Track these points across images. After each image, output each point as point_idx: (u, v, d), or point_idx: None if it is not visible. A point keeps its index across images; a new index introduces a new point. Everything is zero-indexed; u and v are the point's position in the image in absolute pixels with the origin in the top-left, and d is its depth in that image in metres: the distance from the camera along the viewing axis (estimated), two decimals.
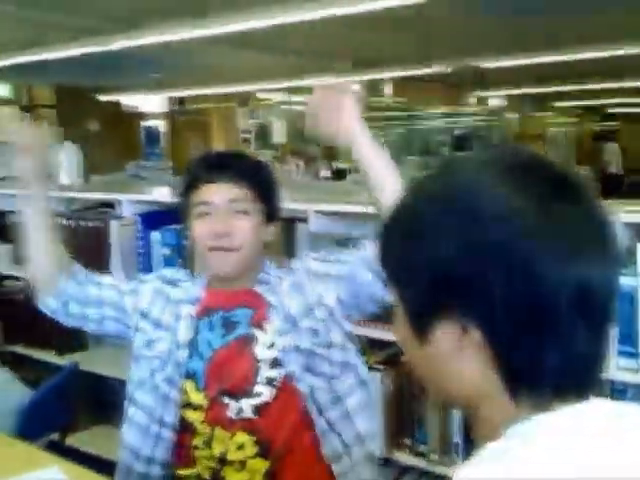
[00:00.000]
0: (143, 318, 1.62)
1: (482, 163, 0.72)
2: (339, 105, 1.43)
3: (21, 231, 1.63)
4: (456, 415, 1.96)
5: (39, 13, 5.57)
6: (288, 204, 1.89)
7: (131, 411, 1.59)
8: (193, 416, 1.54)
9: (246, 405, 1.51)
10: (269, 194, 1.58)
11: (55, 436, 2.24)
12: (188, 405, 1.54)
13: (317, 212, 2.27)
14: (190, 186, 1.56)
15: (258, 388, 1.51)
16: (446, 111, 11.98)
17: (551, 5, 5.26)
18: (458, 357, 0.68)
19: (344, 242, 2.14)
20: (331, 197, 1.97)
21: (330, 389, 1.55)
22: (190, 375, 1.55)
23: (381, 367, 2.10)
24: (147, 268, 2.59)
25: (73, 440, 2.38)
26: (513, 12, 5.49)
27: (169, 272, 1.74)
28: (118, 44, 5.83)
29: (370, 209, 1.46)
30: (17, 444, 1.58)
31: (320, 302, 1.55)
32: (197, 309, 1.60)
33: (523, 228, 0.64)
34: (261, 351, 1.53)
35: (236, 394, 1.52)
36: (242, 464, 1.52)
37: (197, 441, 1.54)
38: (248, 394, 1.51)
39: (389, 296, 1.54)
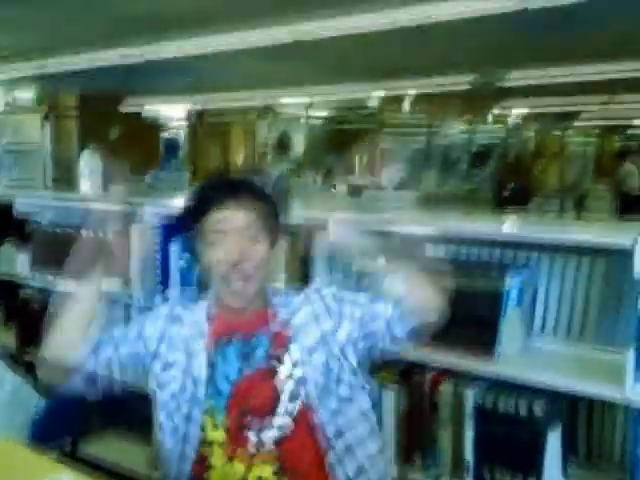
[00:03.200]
0: (154, 359, 1.61)
1: None
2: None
3: (56, 315, 1.59)
4: (468, 434, 1.95)
5: (64, 19, 5.63)
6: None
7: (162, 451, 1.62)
8: (210, 451, 1.53)
9: (266, 438, 1.51)
10: (276, 219, 1.60)
11: (67, 443, 2.24)
12: (204, 442, 1.53)
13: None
14: (200, 211, 1.56)
15: (279, 420, 1.51)
16: (464, 127, 11.95)
17: (572, 21, 5.24)
18: None
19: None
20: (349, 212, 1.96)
21: (335, 423, 1.54)
22: (208, 412, 1.53)
23: (394, 385, 2.10)
24: (166, 274, 2.64)
25: (84, 446, 2.39)
26: (537, 28, 5.47)
27: (168, 306, 1.72)
28: (143, 52, 5.88)
29: None
30: (25, 452, 1.55)
31: (334, 336, 1.58)
32: (208, 341, 1.58)
33: None
34: (281, 383, 1.54)
35: (257, 427, 1.51)
36: None
37: (213, 475, 1.53)
38: (269, 426, 1.51)
39: (392, 348, 1.62)
